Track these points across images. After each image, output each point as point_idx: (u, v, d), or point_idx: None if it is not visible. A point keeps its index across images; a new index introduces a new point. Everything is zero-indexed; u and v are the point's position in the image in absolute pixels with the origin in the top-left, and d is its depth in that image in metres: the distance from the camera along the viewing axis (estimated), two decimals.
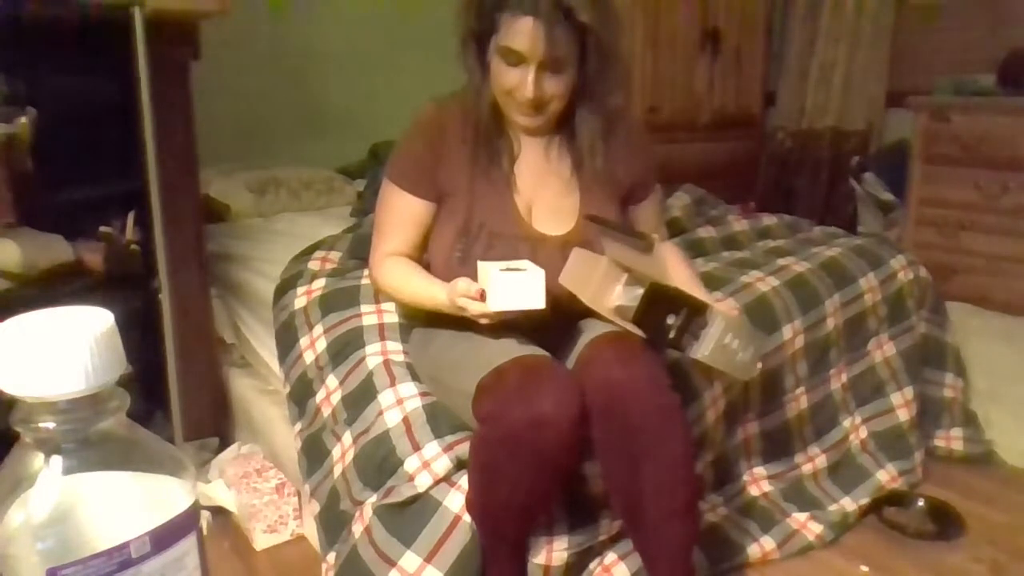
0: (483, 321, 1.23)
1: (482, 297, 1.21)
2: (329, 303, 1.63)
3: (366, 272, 1.55)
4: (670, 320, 1.16)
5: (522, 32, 1.24)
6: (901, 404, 1.95)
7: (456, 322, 1.30)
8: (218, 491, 1.78)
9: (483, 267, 1.25)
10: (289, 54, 2.87)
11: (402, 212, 1.39)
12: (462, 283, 1.22)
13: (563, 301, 1.27)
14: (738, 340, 1.17)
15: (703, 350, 1.15)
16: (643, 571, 1.30)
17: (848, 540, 1.72)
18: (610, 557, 1.43)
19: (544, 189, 1.40)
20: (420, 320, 1.44)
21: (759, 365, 1.29)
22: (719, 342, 1.15)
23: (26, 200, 1.55)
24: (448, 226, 1.38)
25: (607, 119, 1.38)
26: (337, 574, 1.37)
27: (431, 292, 1.32)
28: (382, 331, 1.53)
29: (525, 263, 1.25)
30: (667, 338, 1.16)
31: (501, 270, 1.20)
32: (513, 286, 1.18)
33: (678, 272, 1.38)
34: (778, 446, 1.81)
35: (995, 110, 2.72)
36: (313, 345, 1.59)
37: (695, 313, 1.16)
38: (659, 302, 1.17)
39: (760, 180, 3.73)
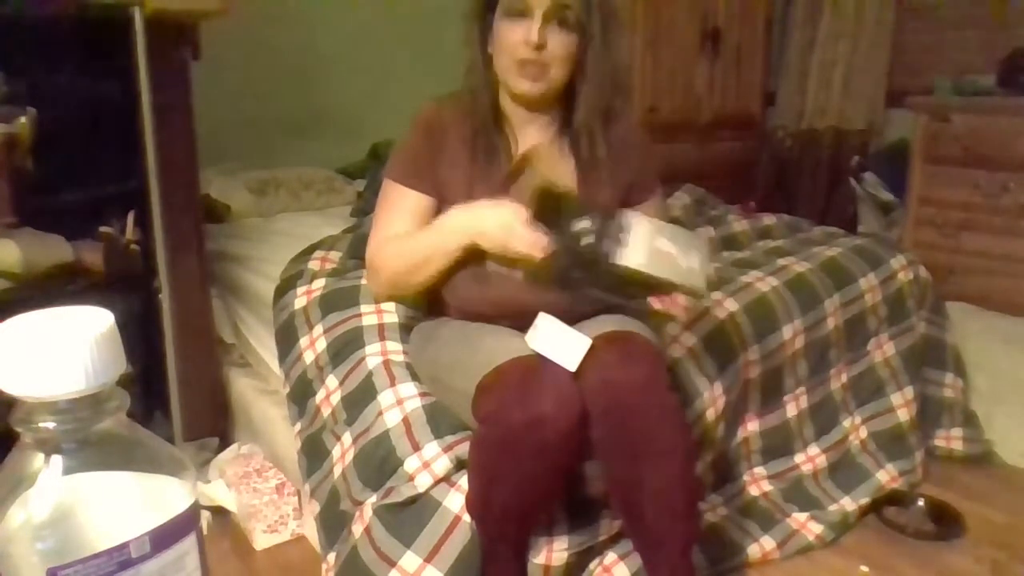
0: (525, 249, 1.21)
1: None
2: (329, 303, 1.62)
3: (365, 272, 1.55)
4: (580, 225, 1.08)
5: None
6: (901, 404, 1.95)
7: (455, 318, 1.29)
8: (218, 491, 1.78)
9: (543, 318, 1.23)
10: (289, 54, 2.87)
11: (402, 208, 1.38)
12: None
13: (561, 304, 1.27)
14: (674, 245, 1.06)
15: (636, 256, 1.04)
16: (643, 571, 1.30)
17: (848, 540, 1.72)
18: (610, 557, 1.43)
19: None
20: (421, 316, 1.44)
21: (712, 275, 1.21)
22: (650, 245, 1.04)
23: (26, 200, 1.55)
24: None
25: (606, 114, 1.37)
26: (337, 574, 1.37)
27: (436, 230, 1.31)
28: (382, 331, 1.53)
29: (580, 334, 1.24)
30: (580, 244, 1.08)
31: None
32: (558, 338, 1.19)
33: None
34: (778, 446, 1.81)
35: (995, 110, 2.72)
36: (313, 345, 1.59)
37: (607, 216, 1.07)
38: (549, 203, 1.11)
39: (760, 180, 3.73)
